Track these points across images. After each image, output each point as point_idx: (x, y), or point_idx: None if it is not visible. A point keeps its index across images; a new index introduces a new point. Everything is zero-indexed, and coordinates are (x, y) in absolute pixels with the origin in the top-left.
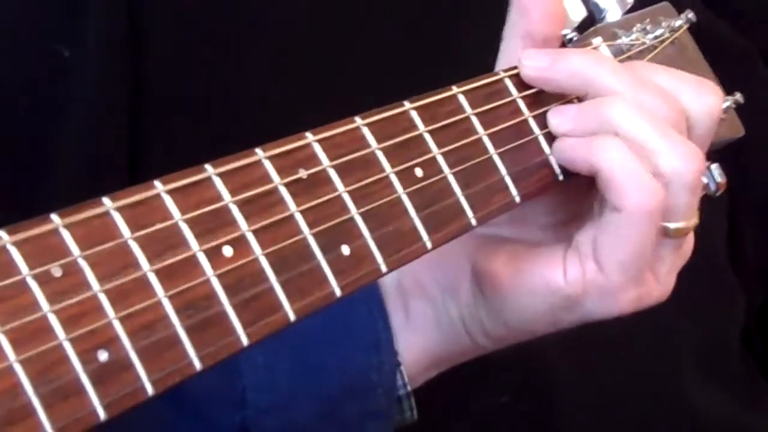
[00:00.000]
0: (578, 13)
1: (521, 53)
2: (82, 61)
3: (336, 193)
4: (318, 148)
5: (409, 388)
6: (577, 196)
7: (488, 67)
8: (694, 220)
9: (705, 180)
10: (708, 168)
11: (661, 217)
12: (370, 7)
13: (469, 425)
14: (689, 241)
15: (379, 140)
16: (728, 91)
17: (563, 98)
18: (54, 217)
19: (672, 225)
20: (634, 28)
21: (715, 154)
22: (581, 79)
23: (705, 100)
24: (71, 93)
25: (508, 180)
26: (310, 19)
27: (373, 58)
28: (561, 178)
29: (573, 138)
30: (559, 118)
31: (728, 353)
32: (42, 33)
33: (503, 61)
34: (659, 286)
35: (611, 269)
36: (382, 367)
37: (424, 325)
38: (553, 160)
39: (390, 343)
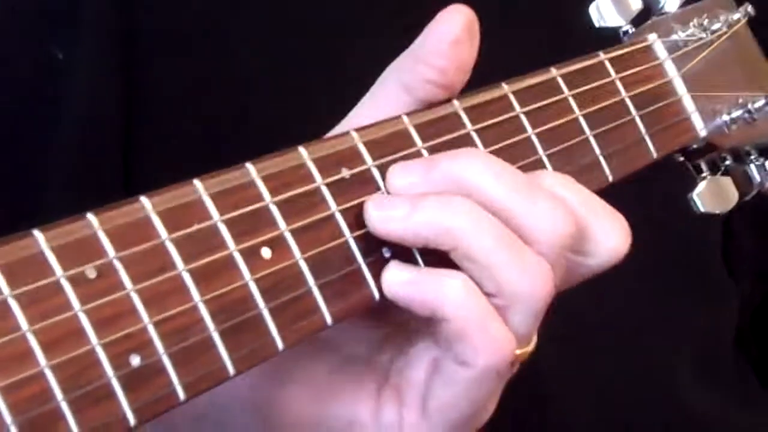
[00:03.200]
0: (635, 4)
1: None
2: (75, 64)
3: (379, 192)
4: (362, 148)
5: None
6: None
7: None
8: (532, 346)
9: (758, 177)
10: (762, 165)
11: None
12: (374, 9)
13: None
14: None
15: (425, 139)
16: None
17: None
18: (90, 216)
19: None
20: (692, 23)
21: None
22: (457, 186)
23: (612, 241)
24: (65, 95)
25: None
26: (309, 18)
27: (378, 60)
28: None
29: (409, 271)
30: (381, 212)
31: (721, 354)
32: (36, 35)
33: (369, 102)
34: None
35: (439, 424)
36: None
37: None
38: None
39: None
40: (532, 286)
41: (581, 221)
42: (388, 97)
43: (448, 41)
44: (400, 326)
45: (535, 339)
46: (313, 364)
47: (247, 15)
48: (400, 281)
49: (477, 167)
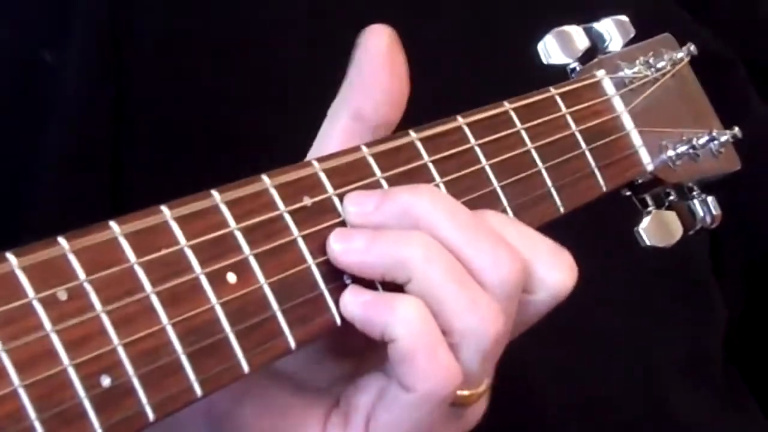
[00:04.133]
0: (581, 43)
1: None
2: (65, 67)
3: (339, 219)
4: (323, 177)
5: None
6: (357, 346)
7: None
8: (482, 387)
9: (701, 213)
10: (704, 200)
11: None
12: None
13: None
14: (477, 408)
15: (383, 169)
16: (726, 125)
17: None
18: (61, 240)
19: (458, 392)
20: (637, 61)
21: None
22: (408, 220)
23: (556, 276)
24: (54, 98)
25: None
26: (299, 23)
27: None
28: None
29: (366, 292)
30: (342, 244)
31: (710, 360)
32: (25, 39)
33: (324, 141)
34: None
35: None
36: None
37: None
38: None
39: None
40: (481, 323)
41: (525, 260)
42: (341, 131)
43: (383, 55)
44: (356, 365)
45: (486, 381)
46: (269, 386)
47: (241, 18)
48: (356, 301)
49: (428, 204)
